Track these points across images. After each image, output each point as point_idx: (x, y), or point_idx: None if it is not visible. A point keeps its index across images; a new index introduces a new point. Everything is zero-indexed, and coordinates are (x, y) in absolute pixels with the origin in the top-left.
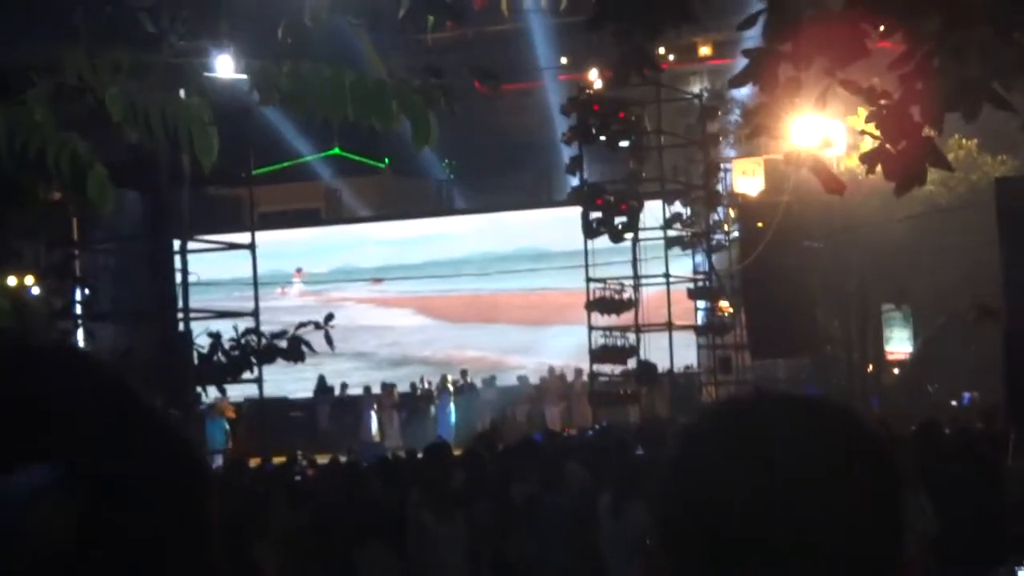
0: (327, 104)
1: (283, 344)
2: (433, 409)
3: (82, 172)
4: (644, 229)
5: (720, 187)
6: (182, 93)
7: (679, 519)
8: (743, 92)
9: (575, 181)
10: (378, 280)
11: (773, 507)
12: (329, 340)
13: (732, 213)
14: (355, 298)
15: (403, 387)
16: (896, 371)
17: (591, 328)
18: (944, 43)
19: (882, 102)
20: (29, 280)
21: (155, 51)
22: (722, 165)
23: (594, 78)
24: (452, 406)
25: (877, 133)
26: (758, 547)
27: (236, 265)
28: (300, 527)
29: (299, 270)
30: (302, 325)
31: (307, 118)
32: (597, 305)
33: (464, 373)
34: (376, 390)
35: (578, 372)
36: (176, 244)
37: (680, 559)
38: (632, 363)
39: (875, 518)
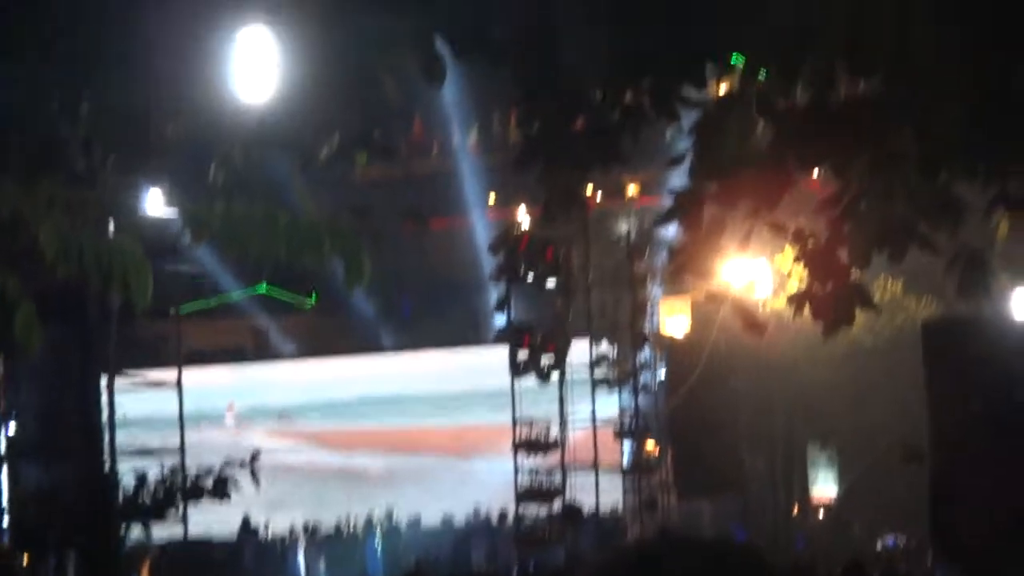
0: (260, 244)
1: (209, 483)
2: (359, 550)
3: (9, 309)
4: (571, 369)
5: (647, 326)
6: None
7: None
8: (670, 232)
9: (502, 320)
10: (287, 417)
11: None
12: (255, 478)
13: (659, 353)
14: (281, 435)
15: (328, 527)
16: (822, 512)
17: (517, 469)
18: (872, 185)
19: (809, 244)
20: None
21: (87, 186)
22: (649, 304)
23: (522, 216)
24: (378, 547)
25: (804, 274)
26: None
27: (163, 402)
28: None
29: (231, 405)
30: (228, 464)
31: (238, 256)
32: (524, 445)
33: (390, 515)
34: (301, 530)
35: (503, 514)
36: (103, 380)
37: None
38: (558, 504)
39: None
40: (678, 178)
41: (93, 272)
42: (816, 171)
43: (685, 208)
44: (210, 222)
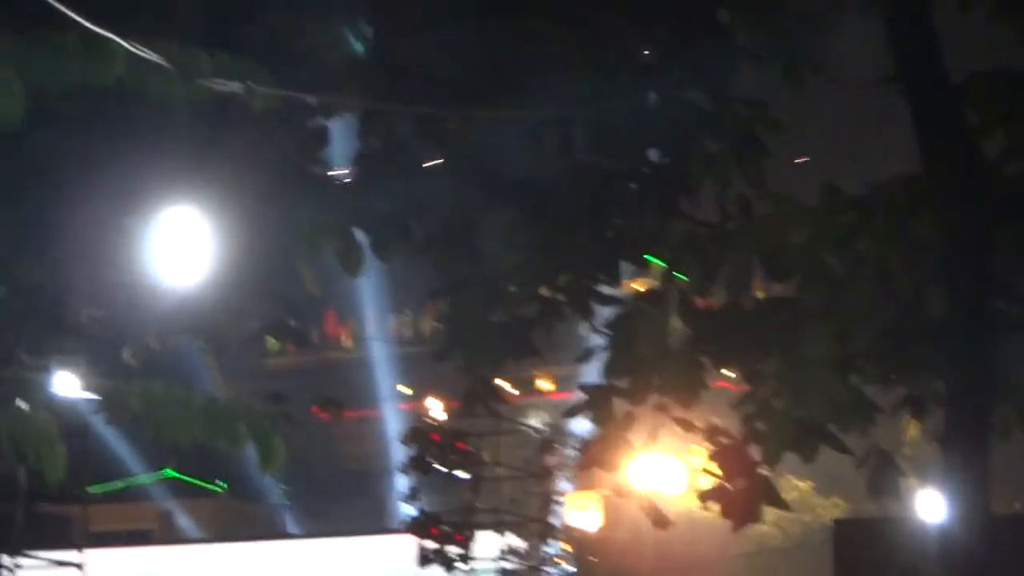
0: (176, 425)
1: None
2: None
3: None
4: (479, 560)
5: (556, 520)
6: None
7: None
8: (582, 427)
9: (412, 510)
10: None
11: None
12: None
13: (566, 547)
14: None
15: None
16: None
17: None
18: (784, 384)
19: (722, 440)
20: None
21: (1, 367)
22: (557, 498)
23: (432, 407)
24: None
25: (717, 471)
26: None
27: None
28: None
29: None
30: None
31: (148, 438)
32: None
33: None
34: None
35: None
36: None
37: None
38: None
39: None
40: (590, 372)
41: (8, 447)
42: (729, 370)
43: (596, 402)
44: (128, 402)
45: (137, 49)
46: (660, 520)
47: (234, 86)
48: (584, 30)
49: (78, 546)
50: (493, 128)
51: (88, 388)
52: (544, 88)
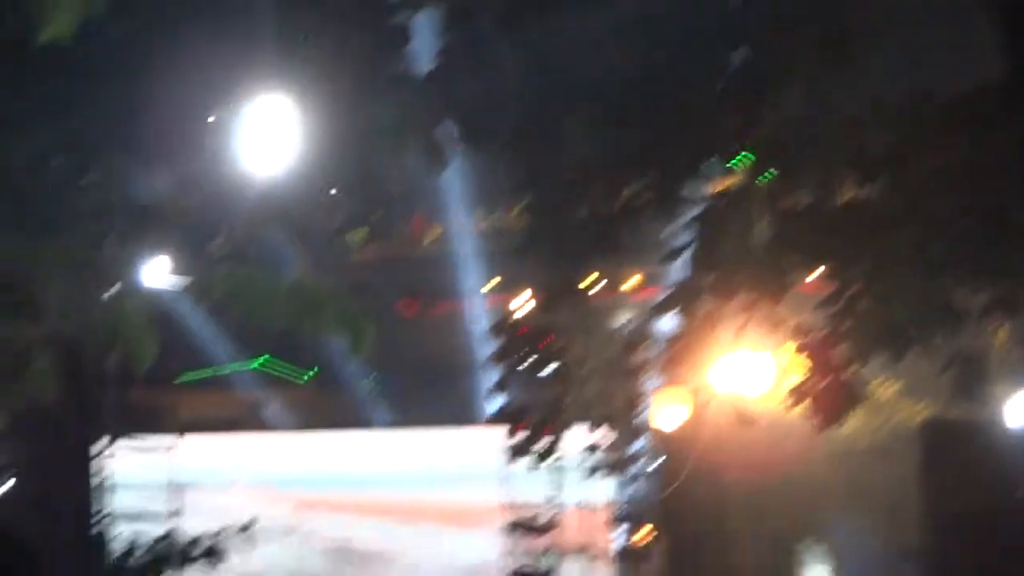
0: (261, 309)
1: (200, 551)
2: None
3: (20, 363)
4: (565, 455)
5: (642, 417)
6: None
7: None
8: (668, 325)
9: (498, 403)
10: (283, 487)
11: None
12: (247, 548)
13: (653, 443)
14: (276, 503)
15: None
16: None
17: (507, 551)
18: (872, 287)
19: (809, 340)
20: None
21: (92, 252)
22: (645, 396)
23: (521, 303)
24: None
25: (803, 370)
26: None
27: (157, 469)
28: None
29: (231, 478)
30: (221, 532)
31: (236, 327)
32: (515, 528)
33: None
34: None
35: None
36: (98, 445)
37: None
38: None
39: None
40: (676, 271)
41: (97, 330)
42: (814, 271)
43: (682, 299)
44: (214, 287)
45: None
46: (744, 419)
47: None
48: None
49: (168, 433)
50: (577, 24)
51: (176, 277)
52: None
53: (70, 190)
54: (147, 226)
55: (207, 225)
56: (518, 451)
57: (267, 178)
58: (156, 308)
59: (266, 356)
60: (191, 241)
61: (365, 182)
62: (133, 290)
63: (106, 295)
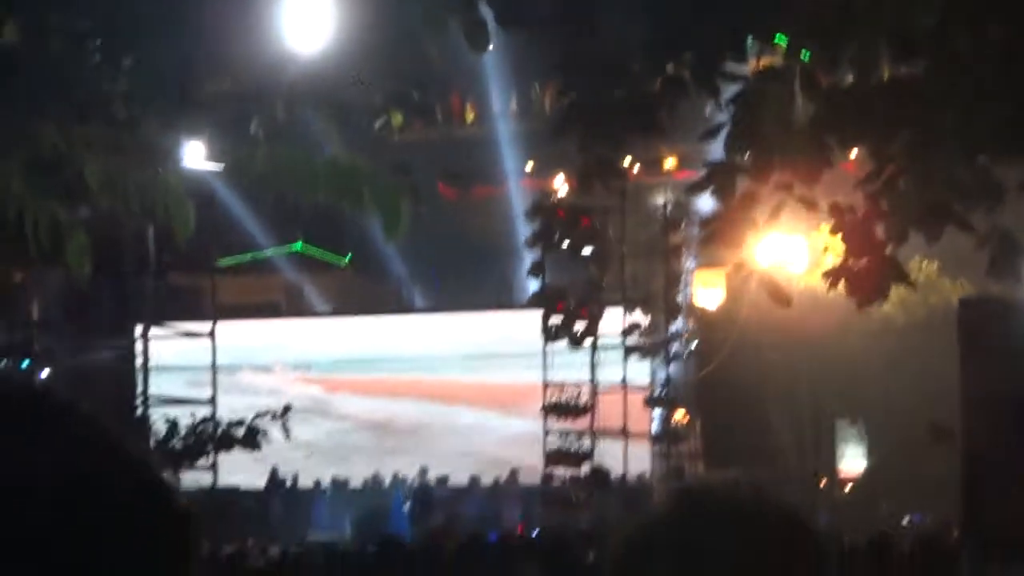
0: (299, 187)
1: (240, 433)
2: (387, 505)
3: (62, 238)
4: (603, 336)
5: (680, 297)
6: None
7: None
8: (707, 205)
9: (536, 285)
10: (320, 370)
11: None
12: (285, 430)
13: (691, 324)
14: (313, 385)
15: (356, 482)
16: (849, 487)
17: (546, 431)
18: (911, 163)
19: (846, 218)
20: None
21: (129, 134)
22: (683, 276)
23: (559, 185)
24: (405, 503)
25: (841, 249)
26: None
27: (196, 353)
28: None
29: (272, 362)
30: (259, 415)
31: (273, 209)
32: (553, 408)
33: (422, 471)
34: (329, 483)
35: (531, 474)
36: (138, 329)
37: None
38: (586, 468)
39: None
40: (715, 152)
41: (136, 204)
42: (853, 150)
43: (719, 179)
44: (253, 164)
45: None
46: (781, 298)
47: None
48: None
49: (207, 317)
50: None
51: (215, 158)
52: None
53: (111, 71)
54: (186, 106)
55: (246, 106)
56: (556, 333)
57: (306, 58)
58: (195, 191)
59: (300, 242)
60: (230, 121)
61: (405, 62)
62: (172, 170)
63: (145, 175)
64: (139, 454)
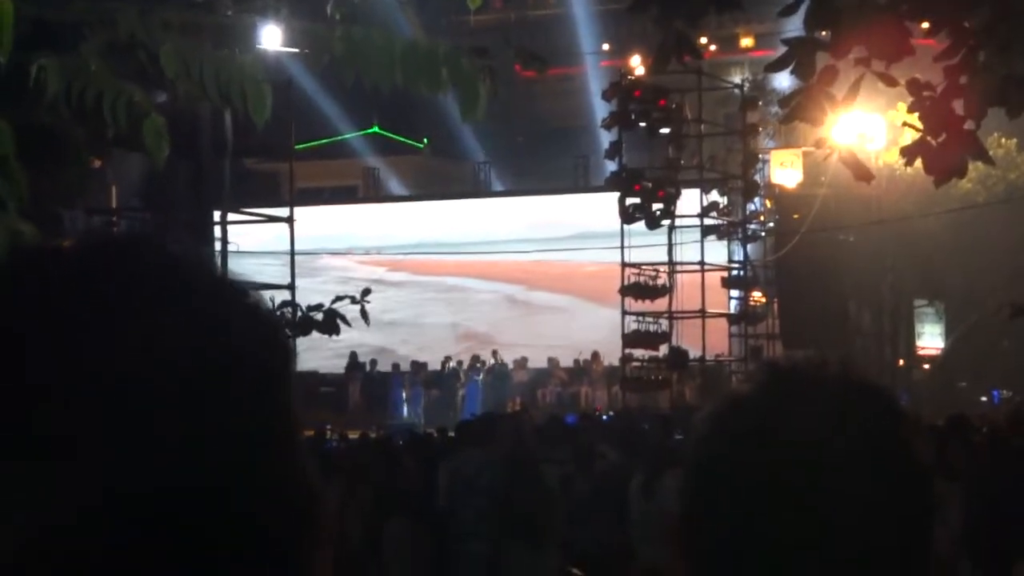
0: (377, 68)
1: (319, 317)
2: (462, 389)
3: (139, 120)
4: (681, 216)
5: (758, 177)
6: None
7: (698, 512)
8: (784, 84)
9: (613, 166)
10: (398, 254)
11: (794, 499)
12: (364, 314)
13: (769, 204)
14: (393, 269)
15: (434, 365)
16: (927, 367)
17: (624, 312)
18: (991, 38)
19: (924, 94)
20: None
21: (206, 15)
22: (760, 156)
23: (635, 64)
24: (481, 386)
25: (919, 125)
26: (778, 539)
27: (275, 238)
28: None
29: (351, 247)
30: (338, 299)
31: (350, 94)
32: (631, 290)
33: (495, 353)
34: (407, 367)
35: (609, 355)
36: (216, 215)
37: (700, 551)
38: (664, 349)
39: (904, 507)
40: (793, 29)
41: (212, 87)
42: (931, 27)
43: (798, 55)
44: (330, 45)
45: None
46: (863, 174)
47: None
48: None
49: (287, 202)
50: None
51: (291, 41)
52: None
53: None
54: None
55: None
56: (633, 214)
57: None
58: (271, 71)
59: (378, 125)
60: (307, 3)
61: None
62: (249, 53)
63: (222, 57)
64: (254, 301)
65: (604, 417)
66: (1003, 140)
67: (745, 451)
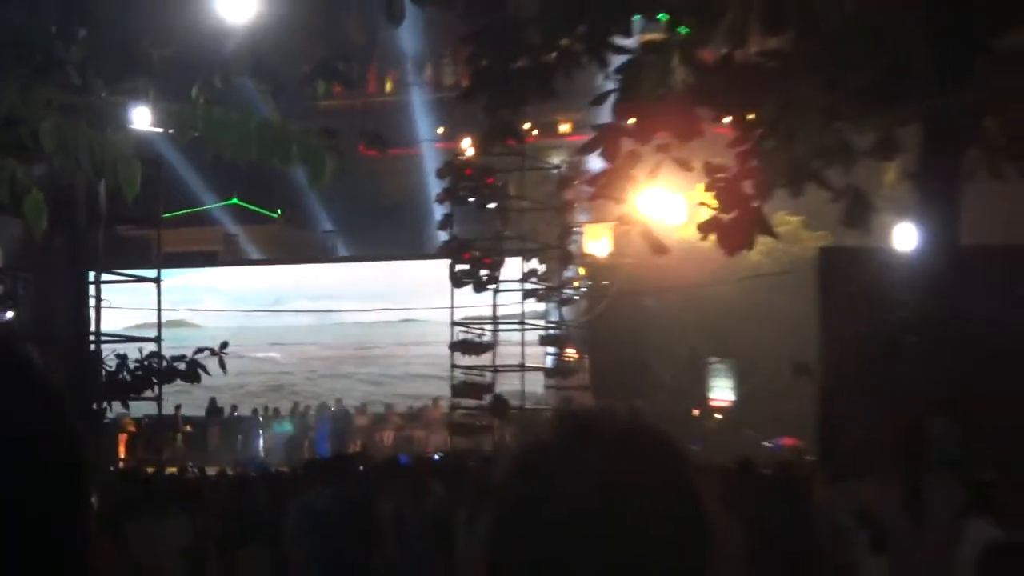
0: (234, 144)
1: (182, 367)
2: (312, 432)
3: (20, 195)
4: (504, 281)
5: (573, 248)
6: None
7: (503, 545)
8: (596, 164)
9: (446, 236)
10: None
11: (586, 532)
12: (222, 365)
13: (582, 271)
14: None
15: (285, 410)
16: (719, 416)
17: (454, 366)
18: (776, 128)
19: (718, 176)
20: None
21: (82, 97)
22: (575, 229)
23: (466, 147)
24: (328, 428)
25: (713, 204)
26: (574, 569)
27: (142, 298)
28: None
29: (209, 306)
30: (199, 351)
31: (212, 163)
32: (460, 346)
33: (339, 401)
34: (261, 411)
35: (439, 403)
36: (91, 276)
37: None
38: (488, 398)
39: (683, 537)
40: (603, 117)
41: (87, 164)
42: (716, 115)
43: (606, 140)
44: (192, 124)
45: None
46: (657, 248)
47: None
48: None
49: (154, 264)
50: None
51: (159, 121)
52: None
53: (66, 39)
54: (134, 73)
55: (187, 74)
56: (463, 279)
57: (242, 30)
58: (141, 151)
59: (237, 197)
60: (173, 87)
61: (329, 33)
62: (121, 131)
63: (95, 132)
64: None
65: (435, 457)
66: (788, 217)
67: (543, 491)
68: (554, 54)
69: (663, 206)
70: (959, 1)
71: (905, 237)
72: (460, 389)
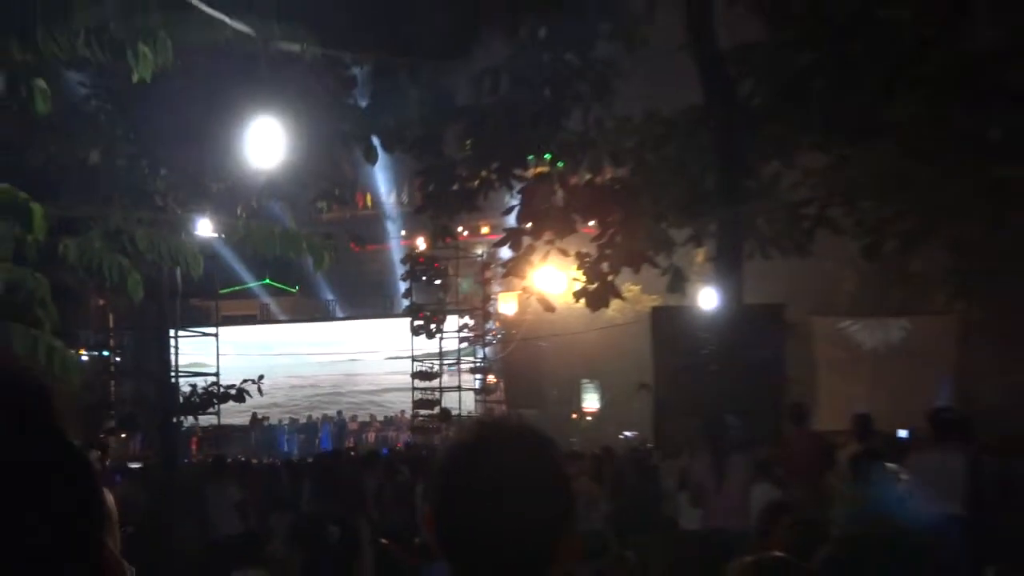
0: (265, 244)
1: (233, 392)
2: (319, 435)
3: (124, 276)
4: (447, 332)
5: (491, 308)
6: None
7: (436, 511)
8: (507, 254)
9: (407, 302)
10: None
11: (485, 502)
12: (260, 390)
13: (498, 324)
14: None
15: (302, 419)
16: (589, 418)
17: (414, 388)
18: (623, 227)
19: (586, 260)
20: (83, 352)
21: (163, 214)
22: (492, 296)
23: (420, 243)
24: (330, 432)
25: (583, 279)
26: (474, 526)
27: (206, 347)
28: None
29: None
30: (245, 381)
31: (251, 256)
32: (418, 376)
33: (339, 412)
34: (287, 422)
35: (404, 413)
36: (171, 332)
37: (440, 534)
38: (437, 409)
39: (554, 502)
40: (511, 222)
41: (168, 257)
42: (584, 219)
43: (512, 238)
44: (237, 232)
45: (236, 22)
46: (548, 307)
47: (294, 46)
48: (508, 15)
49: (214, 323)
50: (451, 73)
51: (216, 229)
52: (483, 50)
53: (153, 176)
54: (199, 197)
55: (233, 198)
56: (419, 330)
57: (269, 169)
58: (204, 246)
59: (268, 278)
60: (225, 206)
61: (328, 171)
62: (190, 235)
63: (174, 239)
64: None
65: (402, 449)
66: (632, 286)
67: (459, 474)
68: (477, 182)
69: (551, 280)
70: (732, 140)
71: (708, 299)
72: (419, 403)
